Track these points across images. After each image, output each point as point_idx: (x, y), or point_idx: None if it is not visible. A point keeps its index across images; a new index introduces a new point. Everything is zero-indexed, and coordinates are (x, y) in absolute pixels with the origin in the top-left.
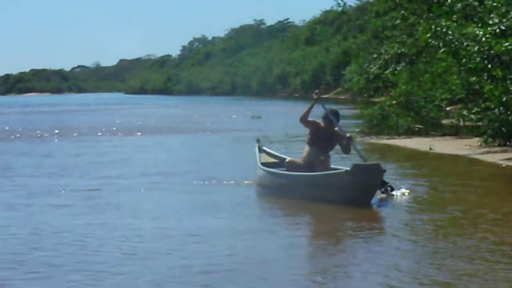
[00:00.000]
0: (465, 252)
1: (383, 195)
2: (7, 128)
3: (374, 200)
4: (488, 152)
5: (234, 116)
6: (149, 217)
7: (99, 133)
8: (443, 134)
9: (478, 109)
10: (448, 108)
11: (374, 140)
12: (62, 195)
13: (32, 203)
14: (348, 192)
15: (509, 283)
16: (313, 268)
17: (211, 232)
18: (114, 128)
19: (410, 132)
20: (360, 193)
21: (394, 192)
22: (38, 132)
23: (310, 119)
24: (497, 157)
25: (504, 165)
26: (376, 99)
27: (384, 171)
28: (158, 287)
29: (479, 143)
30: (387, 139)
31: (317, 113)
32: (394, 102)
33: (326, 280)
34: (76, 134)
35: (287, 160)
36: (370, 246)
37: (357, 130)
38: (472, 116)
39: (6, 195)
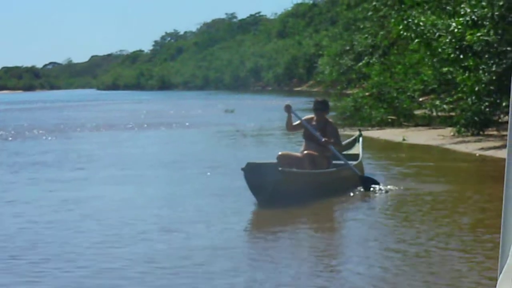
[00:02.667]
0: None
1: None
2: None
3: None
4: (462, 142)
5: (207, 111)
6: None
7: (78, 129)
8: (416, 125)
9: (451, 99)
10: (420, 99)
11: (347, 132)
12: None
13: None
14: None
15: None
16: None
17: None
18: (93, 124)
19: (383, 124)
20: (253, 190)
21: (379, 187)
22: (11, 131)
23: (295, 123)
24: (471, 146)
25: (477, 154)
26: (349, 91)
27: (281, 169)
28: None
29: (452, 133)
30: (361, 130)
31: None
32: (367, 93)
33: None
34: (54, 131)
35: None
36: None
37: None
38: (445, 106)
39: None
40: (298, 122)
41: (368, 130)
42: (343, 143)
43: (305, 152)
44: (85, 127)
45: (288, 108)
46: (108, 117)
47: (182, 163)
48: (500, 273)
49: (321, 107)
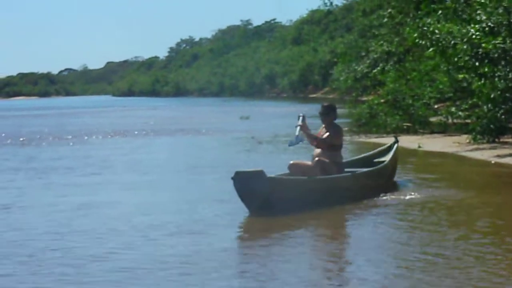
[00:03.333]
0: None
1: None
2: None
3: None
4: (477, 149)
5: (222, 117)
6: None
7: (94, 137)
8: (432, 132)
9: (466, 106)
10: (436, 106)
11: (363, 139)
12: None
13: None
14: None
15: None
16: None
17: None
18: (109, 130)
19: (398, 131)
20: (243, 200)
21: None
22: (38, 136)
23: (316, 135)
24: (486, 153)
25: (493, 162)
26: (364, 98)
27: (270, 177)
28: None
29: (467, 140)
30: (376, 137)
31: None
32: (382, 100)
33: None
34: (71, 137)
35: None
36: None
37: (346, 129)
38: (460, 113)
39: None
40: (316, 134)
41: (383, 137)
42: (376, 150)
43: (316, 159)
44: (100, 133)
45: (302, 127)
46: (123, 123)
47: (195, 169)
48: None
49: (325, 112)
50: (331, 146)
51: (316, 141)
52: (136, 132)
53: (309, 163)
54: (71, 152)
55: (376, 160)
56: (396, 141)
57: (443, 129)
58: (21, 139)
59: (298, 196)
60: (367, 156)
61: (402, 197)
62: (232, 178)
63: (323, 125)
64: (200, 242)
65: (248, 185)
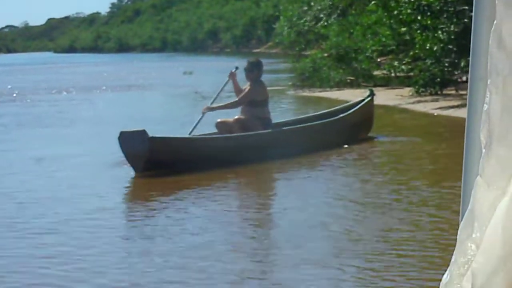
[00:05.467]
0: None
1: None
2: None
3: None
4: (419, 102)
5: (165, 73)
6: None
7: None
8: (375, 85)
9: (409, 60)
10: (379, 60)
11: (306, 93)
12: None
13: None
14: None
15: None
16: None
17: None
18: (50, 87)
19: (342, 84)
20: (128, 159)
21: None
22: None
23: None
24: (429, 106)
25: (435, 114)
26: (307, 52)
27: (150, 137)
28: None
29: (410, 93)
30: (320, 91)
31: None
32: (325, 54)
33: None
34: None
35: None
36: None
37: (290, 83)
38: (403, 67)
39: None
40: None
41: (327, 91)
42: (346, 104)
43: (235, 117)
44: (42, 90)
45: (232, 76)
46: (65, 80)
47: (124, 124)
48: (461, 220)
49: (249, 68)
50: (252, 102)
51: (238, 98)
52: (79, 89)
53: (231, 120)
54: (16, 109)
55: (341, 114)
56: (371, 94)
57: (386, 83)
58: None
59: (187, 155)
60: (334, 110)
61: (340, 149)
62: (118, 138)
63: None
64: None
65: (131, 145)
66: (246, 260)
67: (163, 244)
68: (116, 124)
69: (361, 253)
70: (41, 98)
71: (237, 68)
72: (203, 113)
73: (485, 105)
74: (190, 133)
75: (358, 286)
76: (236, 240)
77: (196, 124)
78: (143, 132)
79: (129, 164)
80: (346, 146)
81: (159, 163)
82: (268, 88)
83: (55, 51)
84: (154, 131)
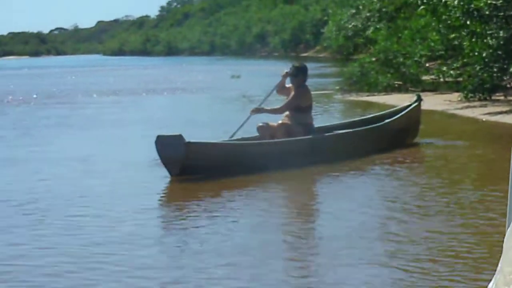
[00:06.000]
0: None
1: None
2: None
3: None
4: (468, 107)
5: (213, 76)
6: None
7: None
8: (423, 90)
9: (458, 65)
10: (427, 64)
11: (354, 97)
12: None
13: None
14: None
15: None
16: None
17: None
18: (98, 89)
19: (390, 89)
20: (164, 164)
21: None
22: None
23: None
24: (477, 111)
25: (484, 120)
26: (355, 57)
27: (187, 142)
28: None
29: (459, 98)
30: (367, 96)
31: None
32: (373, 59)
33: None
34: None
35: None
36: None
37: (337, 87)
38: (452, 72)
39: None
40: (288, 86)
41: (374, 95)
42: (393, 109)
43: (279, 122)
44: (91, 92)
45: (285, 76)
46: (114, 83)
47: (173, 128)
48: (508, 226)
49: (294, 73)
50: (297, 108)
51: (283, 104)
52: (127, 91)
53: (275, 124)
54: (65, 111)
55: (387, 119)
56: (418, 99)
57: (434, 88)
58: (9, 98)
59: (224, 161)
60: (380, 115)
61: (385, 154)
62: (155, 142)
63: (292, 86)
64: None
65: (167, 149)
66: (299, 261)
67: (205, 246)
68: (162, 127)
69: (413, 253)
70: (89, 100)
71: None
72: (251, 115)
73: None
74: (233, 135)
75: (411, 286)
76: (287, 241)
77: (242, 125)
78: (180, 136)
79: (165, 168)
80: (391, 152)
81: (196, 168)
82: (316, 92)
83: (104, 54)
84: (200, 135)
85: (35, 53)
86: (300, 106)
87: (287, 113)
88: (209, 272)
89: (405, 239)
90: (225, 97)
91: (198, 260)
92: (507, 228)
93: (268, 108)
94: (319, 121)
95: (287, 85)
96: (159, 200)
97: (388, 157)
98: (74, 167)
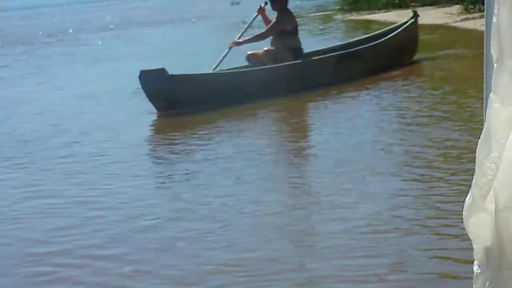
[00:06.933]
0: None
1: None
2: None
3: None
4: (468, 19)
5: (212, 4)
6: None
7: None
8: (423, 5)
9: None
10: None
11: (354, 16)
12: None
13: None
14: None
15: None
16: None
17: None
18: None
19: (390, 6)
20: (149, 99)
21: None
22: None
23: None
24: (478, 23)
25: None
26: None
27: (170, 75)
28: None
29: (459, 11)
30: (367, 14)
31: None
32: None
33: None
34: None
35: None
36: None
37: (337, 8)
38: None
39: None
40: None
41: (375, 13)
42: (388, 28)
43: (265, 48)
44: (91, 28)
45: (260, 10)
46: (114, 17)
47: (168, 58)
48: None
49: None
50: (281, 32)
51: (264, 29)
52: (123, 25)
53: (261, 51)
54: (60, 49)
55: (382, 38)
56: (415, 16)
57: (435, 1)
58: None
59: (210, 92)
60: (375, 35)
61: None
62: (138, 77)
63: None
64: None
65: (151, 84)
66: (299, 179)
67: (193, 182)
68: (163, 57)
69: (414, 165)
70: (89, 36)
71: (266, 3)
72: (230, 48)
73: (494, 17)
74: (214, 69)
75: (416, 189)
76: (276, 171)
77: (222, 59)
78: (163, 70)
79: (151, 103)
80: (389, 70)
81: (182, 102)
82: (316, 14)
83: None
84: (196, 66)
85: None
86: (284, 30)
87: (272, 39)
88: (207, 202)
89: (405, 151)
90: (225, 24)
91: (193, 191)
92: (480, 140)
93: (248, 37)
94: (319, 43)
95: (270, 18)
96: (147, 133)
97: (383, 77)
98: (69, 104)
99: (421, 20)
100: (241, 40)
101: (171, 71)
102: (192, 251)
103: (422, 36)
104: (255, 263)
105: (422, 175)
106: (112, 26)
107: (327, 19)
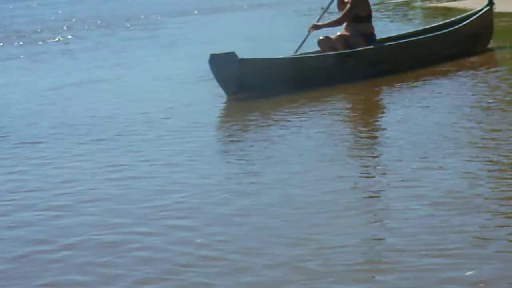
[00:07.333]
0: None
1: None
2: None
3: None
4: None
5: None
6: None
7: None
8: None
9: None
10: None
11: (434, 3)
12: None
13: None
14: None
15: None
16: None
17: None
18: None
19: None
20: (219, 83)
21: None
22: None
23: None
24: None
25: None
26: None
27: (240, 59)
28: None
29: None
30: (447, 1)
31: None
32: None
33: None
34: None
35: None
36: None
37: None
38: None
39: None
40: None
41: (455, 0)
42: (463, 15)
43: (337, 34)
44: (168, 13)
45: None
46: (187, 2)
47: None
48: None
49: None
50: (355, 17)
51: (340, 15)
52: (198, 11)
53: (333, 37)
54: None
55: (456, 26)
56: (490, 3)
57: None
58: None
59: (280, 77)
60: (449, 22)
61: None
62: (208, 61)
63: None
64: None
65: (221, 68)
66: (369, 160)
67: (271, 160)
68: (231, 45)
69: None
70: (167, 20)
71: None
72: (309, 32)
73: None
74: (295, 53)
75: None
76: (358, 152)
77: (302, 43)
78: (233, 54)
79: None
80: (462, 58)
81: (252, 86)
82: (396, 1)
83: None
84: (277, 52)
85: None
86: (358, 15)
87: (346, 24)
88: (283, 180)
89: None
90: (302, 10)
91: (270, 169)
92: None
93: (326, 22)
94: (398, 29)
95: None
96: (217, 117)
97: (458, 64)
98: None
99: (500, 8)
100: (320, 23)
101: (250, 55)
102: (264, 225)
103: (499, 24)
104: (331, 237)
105: (505, 156)
106: (196, 12)
107: (406, 6)
